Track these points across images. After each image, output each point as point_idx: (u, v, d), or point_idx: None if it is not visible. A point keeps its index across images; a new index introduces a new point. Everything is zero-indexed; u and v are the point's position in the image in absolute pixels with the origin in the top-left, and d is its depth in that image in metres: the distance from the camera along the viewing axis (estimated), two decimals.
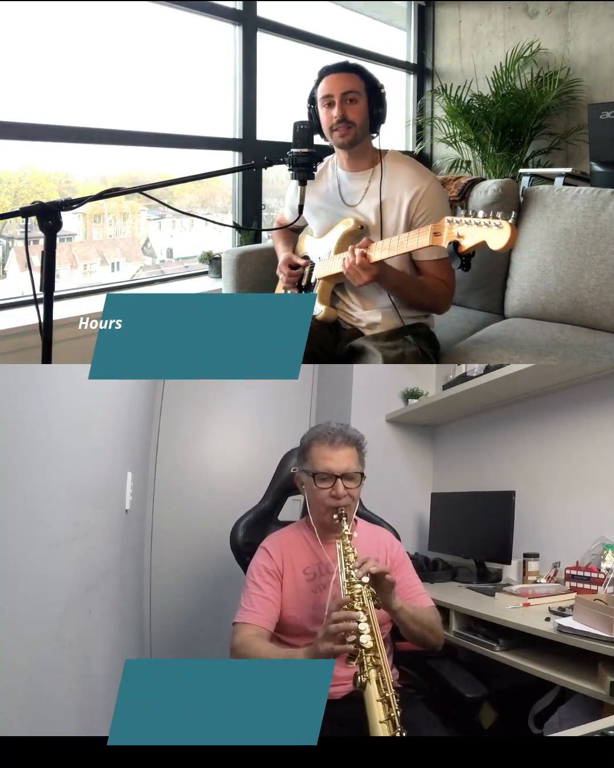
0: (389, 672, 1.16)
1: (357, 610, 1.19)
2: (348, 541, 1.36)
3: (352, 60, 1.94)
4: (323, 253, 1.99)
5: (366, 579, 1.25)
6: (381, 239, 1.80)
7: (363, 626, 1.16)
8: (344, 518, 1.40)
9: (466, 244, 1.51)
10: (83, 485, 1.13)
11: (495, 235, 1.46)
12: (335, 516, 1.41)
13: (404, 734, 1.07)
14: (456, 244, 1.52)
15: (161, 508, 3.00)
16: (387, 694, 1.11)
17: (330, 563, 1.45)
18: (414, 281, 1.89)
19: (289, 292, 2.13)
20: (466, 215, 1.52)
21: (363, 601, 1.23)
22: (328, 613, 1.36)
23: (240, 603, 1.44)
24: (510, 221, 1.45)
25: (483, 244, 1.49)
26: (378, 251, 1.73)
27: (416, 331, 1.92)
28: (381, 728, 1.07)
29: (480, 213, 1.49)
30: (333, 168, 1.99)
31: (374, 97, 1.85)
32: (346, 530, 1.38)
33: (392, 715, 1.08)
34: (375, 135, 1.90)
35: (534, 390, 2.24)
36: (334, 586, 1.40)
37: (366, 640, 1.15)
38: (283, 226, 2.21)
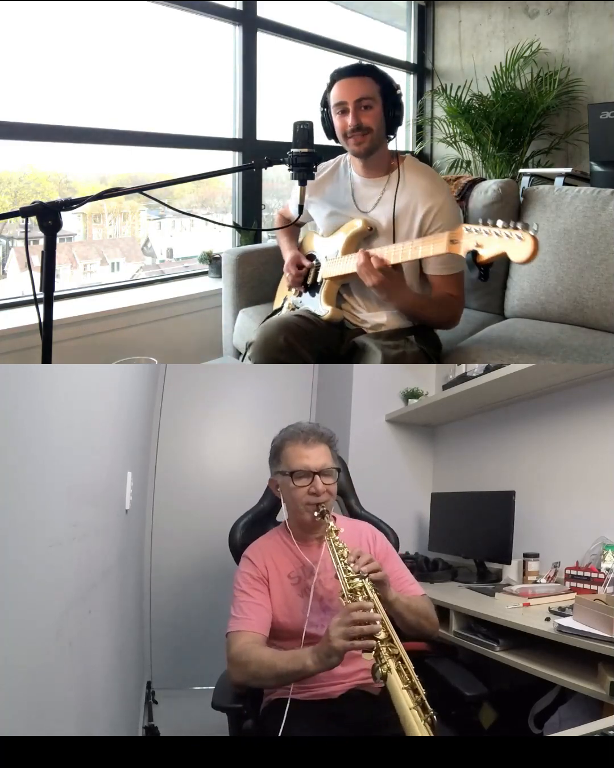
0: (408, 659, 1.14)
1: (367, 603, 1.18)
2: (337, 537, 1.35)
3: (364, 61, 1.90)
4: (330, 253, 1.98)
5: (366, 569, 1.25)
6: None
7: (376, 616, 1.15)
8: (326, 515, 1.40)
9: (485, 254, 1.48)
10: (83, 485, 1.13)
11: (518, 247, 1.42)
12: (316, 513, 1.40)
13: (434, 717, 1.04)
14: (474, 254, 1.49)
15: (161, 508, 3.00)
16: (411, 680, 1.09)
17: (312, 565, 1.45)
18: (426, 299, 1.87)
19: (293, 290, 2.12)
20: (484, 223, 1.49)
21: (367, 593, 1.22)
22: (311, 614, 1.35)
23: (231, 612, 1.42)
24: (532, 233, 1.41)
25: (503, 256, 1.45)
26: (392, 256, 1.71)
27: (419, 332, 1.92)
28: (412, 715, 1.03)
29: (500, 222, 1.45)
30: (346, 169, 1.96)
31: (390, 101, 1.80)
32: (332, 527, 1.37)
33: (420, 699, 1.06)
34: (391, 137, 1.86)
35: (534, 390, 2.24)
36: (319, 586, 1.40)
37: (379, 631, 1.14)
38: (287, 222, 2.19)
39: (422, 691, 1.08)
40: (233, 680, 1.33)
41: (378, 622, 1.14)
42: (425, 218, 1.79)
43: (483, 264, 1.50)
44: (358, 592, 1.22)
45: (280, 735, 1.19)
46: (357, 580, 1.24)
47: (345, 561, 1.29)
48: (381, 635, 1.13)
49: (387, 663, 1.11)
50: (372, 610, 1.16)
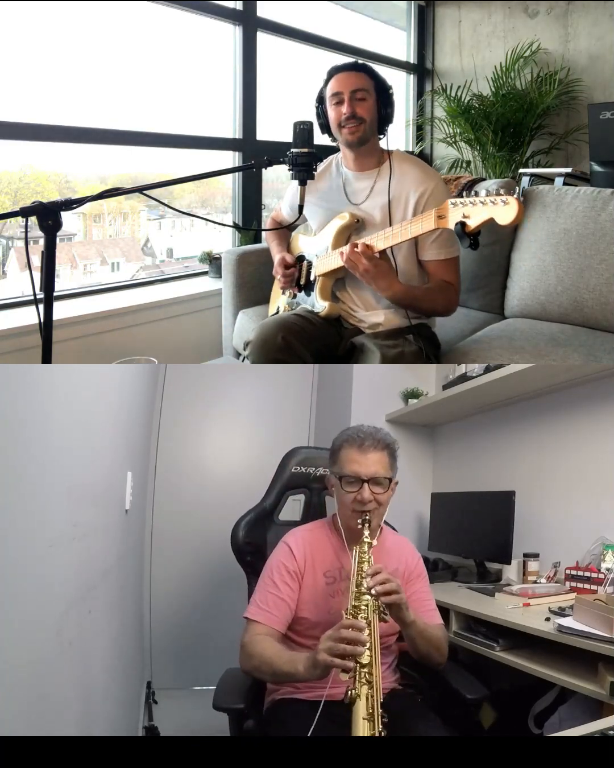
0: (380, 689, 1.13)
1: (361, 623, 1.16)
2: (366, 550, 1.32)
3: (360, 60, 1.95)
4: (320, 250, 1.99)
5: (375, 590, 1.22)
6: None
7: (364, 638, 1.13)
8: (367, 525, 1.36)
9: (473, 223, 1.52)
10: (83, 485, 1.13)
11: (502, 211, 1.47)
12: (359, 521, 1.38)
13: None
14: (463, 225, 1.53)
15: (161, 508, 3.00)
16: (373, 713, 1.08)
17: (350, 569, 1.44)
18: (420, 290, 1.88)
19: (286, 292, 2.13)
20: (468, 196, 1.53)
21: (368, 613, 1.20)
22: (338, 618, 1.35)
23: (254, 596, 1.44)
24: (515, 197, 1.46)
25: (490, 221, 1.49)
26: (382, 240, 1.73)
27: (418, 331, 1.92)
28: None
29: (483, 192, 1.50)
30: (337, 167, 1.99)
31: (382, 97, 1.86)
32: (366, 537, 1.34)
33: (374, 733, 1.06)
34: (382, 136, 1.91)
35: (534, 390, 2.24)
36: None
37: (363, 654, 1.12)
38: (281, 225, 2.20)
39: (380, 724, 1.07)
40: (240, 666, 1.36)
41: (365, 646, 1.12)
42: (418, 203, 1.82)
43: (472, 233, 1.54)
44: (361, 610, 1.20)
45: (309, 735, 1.16)
46: (365, 597, 1.21)
47: (362, 575, 1.26)
48: (365, 659, 1.12)
49: (360, 689, 1.10)
50: (365, 633, 1.14)
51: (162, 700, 2.69)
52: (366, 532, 1.35)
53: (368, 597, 1.21)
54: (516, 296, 2.47)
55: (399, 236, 1.70)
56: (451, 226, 1.56)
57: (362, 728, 1.06)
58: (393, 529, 1.75)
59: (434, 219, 1.61)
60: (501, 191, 1.48)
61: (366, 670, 1.12)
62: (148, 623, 2.94)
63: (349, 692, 1.10)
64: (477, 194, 1.52)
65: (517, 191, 1.48)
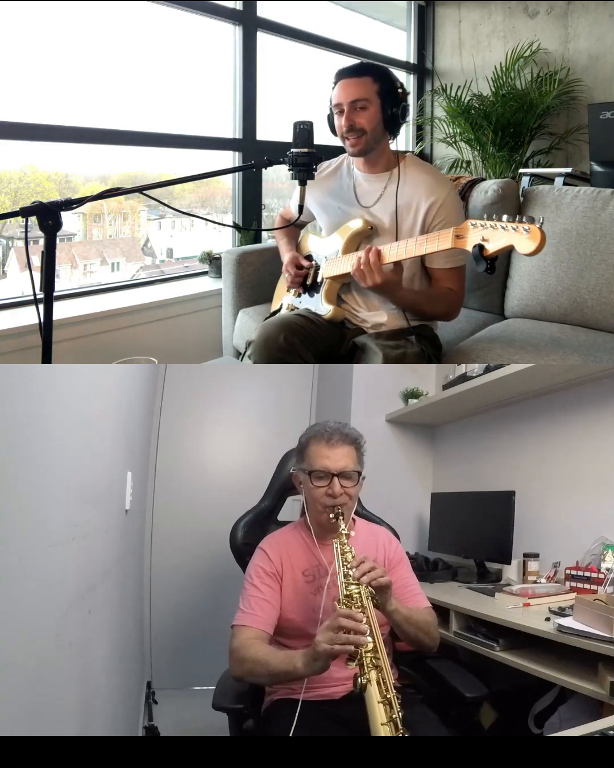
0: (390, 673, 1.14)
1: (357, 610, 1.18)
2: (346, 541, 1.34)
3: (367, 61, 1.92)
4: (330, 253, 1.99)
5: (365, 579, 1.24)
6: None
7: (363, 627, 1.14)
8: (341, 517, 1.38)
9: (491, 247, 1.49)
10: (83, 485, 1.13)
11: (524, 240, 1.44)
12: (331, 515, 1.39)
13: (406, 736, 1.05)
14: (481, 248, 1.51)
15: (161, 508, 3.00)
16: (388, 696, 1.09)
17: (328, 565, 1.44)
18: (423, 295, 1.88)
19: (292, 290, 2.12)
20: (489, 218, 1.51)
21: (361, 601, 1.21)
22: (323, 614, 1.35)
23: (239, 605, 1.43)
24: (538, 225, 1.43)
25: (510, 248, 1.47)
26: (394, 252, 1.71)
27: (419, 332, 1.92)
28: (383, 730, 1.05)
29: (505, 217, 1.48)
30: (348, 166, 1.98)
31: (388, 100, 1.81)
32: (343, 529, 1.36)
33: (394, 716, 1.06)
34: (392, 137, 1.88)
35: (534, 390, 2.24)
36: (333, 588, 1.39)
37: (365, 640, 1.13)
38: (288, 222, 2.20)
39: (397, 707, 1.08)
40: (232, 673, 1.34)
41: (365, 634, 1.13)
42: (428, 213, 1.81)
43: (490, 257, 1.51)
44: (354, 599, 1.21)
45: (291, 735, 1.18)
46: (354, 586, 1.23)
47: (348, 566, 1.28)
48: (368, 645, 1.13)
49: (369, 674, 1.10)
50: (363, 620, 1.14)
51: (162, 700, 2.69)
52: (342, 525, 1.37)
53: (354, 586, 1.23)
54: (516, 296, 2.47)
55: (413, 251, 1.68)
56: (469, 247, 1.54)
57: (380, 713, 1.06)
58: (391, 528, 1.75)
59: (452, 239, 1.58)
60: (525, 219, 1.44)
61: (371, 654, 1.13)
62: (148, 623, 2.94)
63: (358, 680, 1.10)
64: (500, 217, 1.48)
65: (540, 220, 1.44)
